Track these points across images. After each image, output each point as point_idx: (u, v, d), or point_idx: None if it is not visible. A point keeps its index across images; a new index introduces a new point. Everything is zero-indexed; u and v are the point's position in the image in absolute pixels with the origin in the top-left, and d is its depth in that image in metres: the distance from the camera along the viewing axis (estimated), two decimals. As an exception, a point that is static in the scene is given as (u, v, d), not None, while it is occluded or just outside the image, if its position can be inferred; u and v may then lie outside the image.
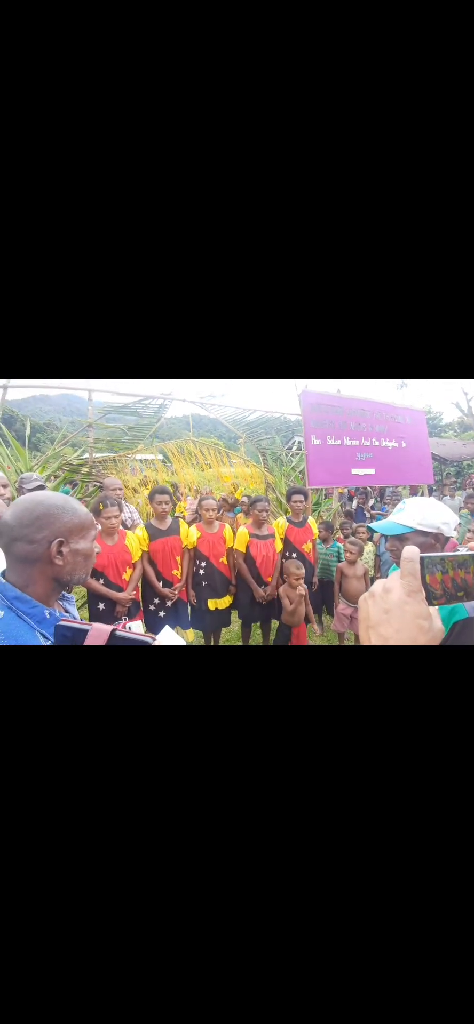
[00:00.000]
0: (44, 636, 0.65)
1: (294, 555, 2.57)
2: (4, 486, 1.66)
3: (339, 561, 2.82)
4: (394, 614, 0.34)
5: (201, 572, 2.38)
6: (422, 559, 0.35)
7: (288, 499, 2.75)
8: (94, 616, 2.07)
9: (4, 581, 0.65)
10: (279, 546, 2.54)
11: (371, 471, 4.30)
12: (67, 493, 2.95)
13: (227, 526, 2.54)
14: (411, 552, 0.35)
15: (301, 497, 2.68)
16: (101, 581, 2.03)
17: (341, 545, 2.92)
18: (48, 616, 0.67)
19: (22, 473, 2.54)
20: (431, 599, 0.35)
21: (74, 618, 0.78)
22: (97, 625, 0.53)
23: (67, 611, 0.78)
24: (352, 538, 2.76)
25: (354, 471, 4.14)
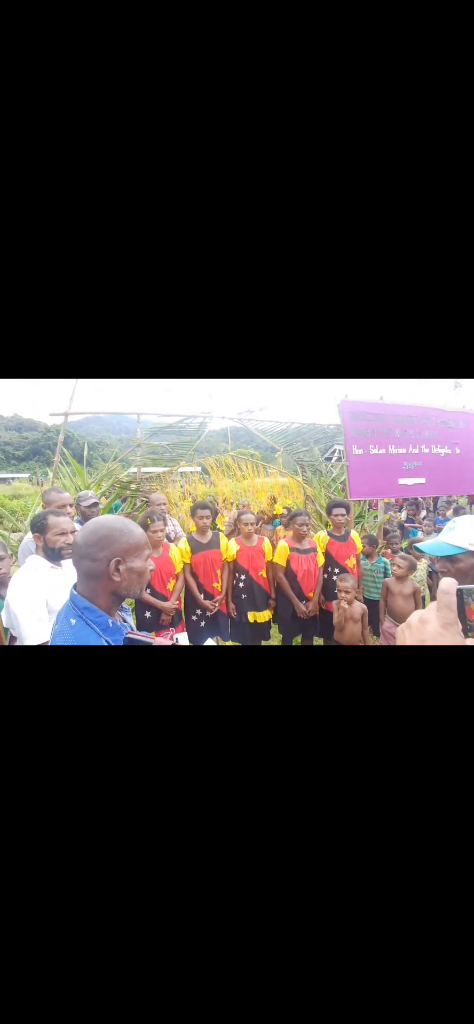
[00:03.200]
0: (108, 642, 0.72)
1: (336, 570, 2.48)
2: (71, 505, 1.86)
3: (386, 577, 2.65)
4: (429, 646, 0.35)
5: (241, 585, 2.40)
6: (460, 591, 0.35)
7: (329, 512, 2.67)
8: (140, 623, 2.19)
9: (76, 593, 0.74)
10: (321, 560, 2.47)
11: (421, 480, 3.99)
12: (118, 507, 3.21)
13: (266, 539, 2.54)
14: (448, 584, 0.35)
15: (342, 510, 2.59)
16: (147, 591, 2.16)
17: (387, 561, 2.75)
18: (111, 625, 0.74)
19: (80, 490, 2.82)
20: (468, 631, 0.35)
21: (130, 626, 0.85)
22: (158, 639, 0.59)
23: (125, 620, 0.85)
24: (403, 553, 2.57)
25: (401, 481, 3.87)
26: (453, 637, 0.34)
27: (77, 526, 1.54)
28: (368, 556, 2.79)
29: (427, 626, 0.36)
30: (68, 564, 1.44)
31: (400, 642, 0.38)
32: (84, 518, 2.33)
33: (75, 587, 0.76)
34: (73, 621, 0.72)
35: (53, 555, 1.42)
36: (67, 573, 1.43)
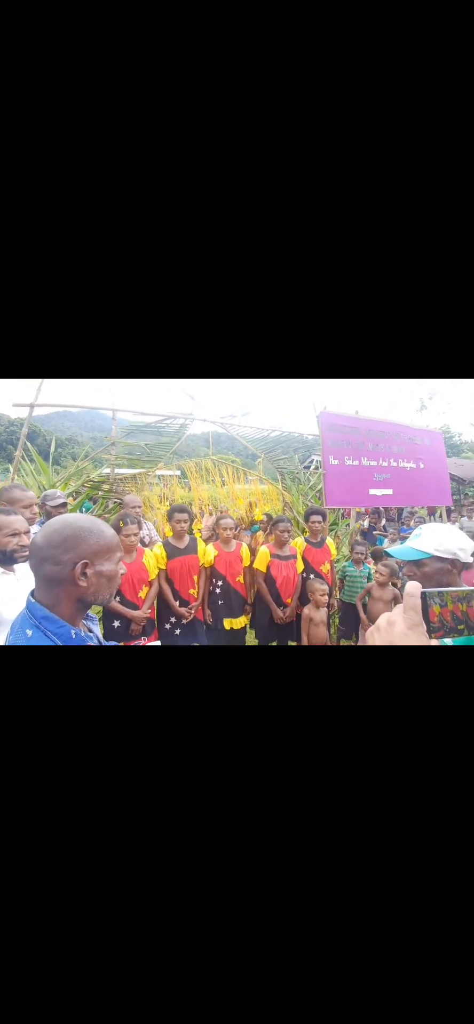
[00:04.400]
0: (71, 658, 0.64)
1: (312, 575, 2.50)
2: (38, 505, 1.69)
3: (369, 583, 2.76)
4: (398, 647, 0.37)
5: (217, 591, 2.34)
6: (423, 594, 0.37)
7: (306, 519, 2.71)
8: (108, 634, 2.05)
9: (34, 601, 0.65)
10: (301, 567, 2.49)
11: (389, 492, 4.23)
12: (88, 509, 3.01)
13: (244, 545, 2.51)
14: (412, 588, 0.38)
15: (319, 517, 2.64)
16: (117, 599, 2.02)
17: (371, 568, 2.86)
18: (74, 636, 0.66)
19: (45, 490, 2.62)
20: (430, 632, 0.37)
21: (98, 638, 0.76)
22: None
23: (91, 631, 0.77)
24: (385, 560, 2.67)
25: (372, 491, 4.07)
26: (419, 638, 0.36)
27: (37, 528, 1.39)
28: (356, 563, 2.87)
29: (395, 628, 0.38)
30: (22, 569, 1.30)
31: (370, 644, 0.40)
32: (49, 519, 2.15)
33: (32, 594, 0.66)
34: (29, 632, 0.63)
35: (3, 559, 1.28)
36: (20, 579, 1.29)
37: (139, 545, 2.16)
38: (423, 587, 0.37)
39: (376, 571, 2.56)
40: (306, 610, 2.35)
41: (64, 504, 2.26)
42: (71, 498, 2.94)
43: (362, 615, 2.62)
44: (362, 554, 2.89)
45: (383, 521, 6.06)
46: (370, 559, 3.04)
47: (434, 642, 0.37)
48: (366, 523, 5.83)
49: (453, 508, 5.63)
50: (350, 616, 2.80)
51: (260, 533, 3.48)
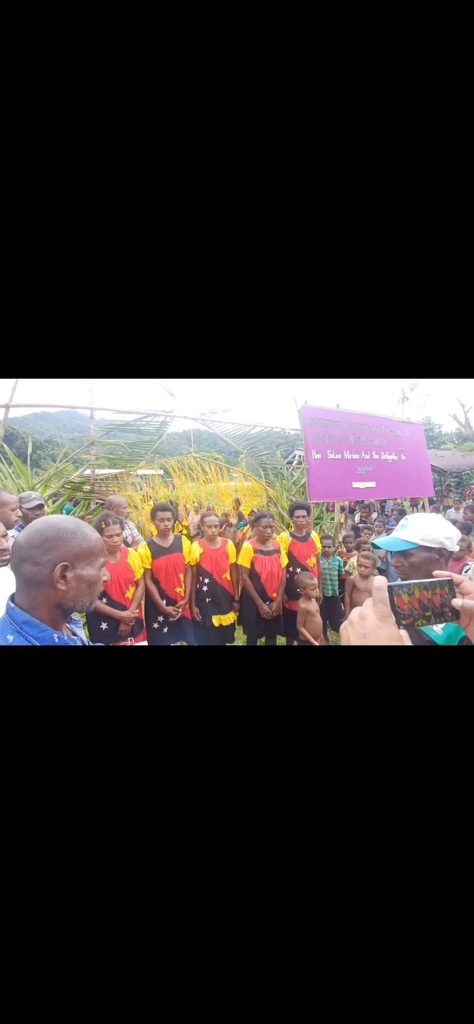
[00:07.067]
0: (53, 662, 0.63)
1: (298, 570, 2.54)
2: (20, 507, 1.63)
3: (340, 575, 2.81)
4: (371, 638, 0.39)
5: (204, 589, 2.34)
6: (390, 587, 0.40)
7: (291, 514, 2.74)
8: (96, 636, 2.02)
9: (13, 605, 0.63)
10: (285, 561, 2.52)
11: (372, 484, 4.32)
12: (70, 511, 2.93)
13: (229, 542, 2.52)
14: (380, 582, 0.41)
15: (304, 512, 2.67)
16: (104, 600, 1.99)
17: (341, 560, 2.91)
18: (57, 640, 0.65)
19: (23, 492, 2.53)
20: (399, 620, 0.40)
21: (81, 640, 0.76)
22: None
23: (75, 634, 0.76)
24: (365, 552, 2.74)
25: (355, 484, 4.15)
26: (389, 628, 0.39)
27: (15, 532, 1.35)
28: (325, 556, 2.93)
29: (367, 620, 0.40)
30: (2, 573, 1.26)
31: (344, 638, 0.41)
32: (26, 523, 2.09)
33: (12, 598, 0.65)
34: (10, 638, 0.62)
35: None
36: (2, 583, 1.25)
37: (123, 545, 2.13)
38: (412, 577, 0.40)
39: (359, 564, 2.63)
40: (302, 604, 2.38)
41: (40, 506, 2.20)
42: (51, 500, 2.86)
43: (346, 609, 2.69)
44: (329, 547, 2.97)
45: (374, 515, 6.18)
46: (344, 551, 3.12)
47: (403, 633, 0.39)
48: (357, 518, 5.92)
49: (435, 499, 5.81)
50: (330, 608, 2.87)
51: (247, 528, 3.50)
